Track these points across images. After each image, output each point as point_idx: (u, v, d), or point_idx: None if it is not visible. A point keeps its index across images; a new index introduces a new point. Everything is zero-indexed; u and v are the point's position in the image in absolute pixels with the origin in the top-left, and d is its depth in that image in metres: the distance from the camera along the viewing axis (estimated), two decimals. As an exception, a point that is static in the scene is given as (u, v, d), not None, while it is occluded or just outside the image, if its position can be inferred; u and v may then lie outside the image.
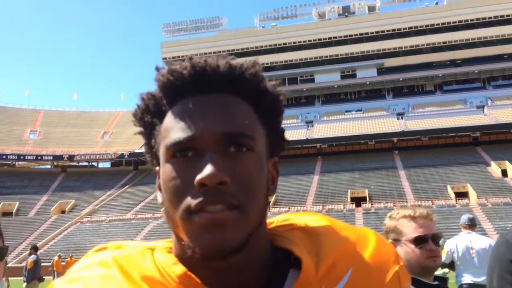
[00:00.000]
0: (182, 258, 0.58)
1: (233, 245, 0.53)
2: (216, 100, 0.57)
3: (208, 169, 0.52)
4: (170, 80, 0.59)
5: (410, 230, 1.81)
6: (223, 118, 0.56)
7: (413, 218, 1.83)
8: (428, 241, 1.78)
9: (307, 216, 0.68)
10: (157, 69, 0.61)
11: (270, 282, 0.59)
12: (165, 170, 0.57)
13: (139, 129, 0.63)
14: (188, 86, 0.58)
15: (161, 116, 0.60)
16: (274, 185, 0.63)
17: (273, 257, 0.62)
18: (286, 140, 0.66)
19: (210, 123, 0.55)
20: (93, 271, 0.58)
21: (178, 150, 0.56)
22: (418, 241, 1.78)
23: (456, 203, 37.06)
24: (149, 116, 0.61)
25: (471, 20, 58.77)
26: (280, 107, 0.64)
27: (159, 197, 0.60)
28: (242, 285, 0.58)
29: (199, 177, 0.52)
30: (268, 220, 0.64)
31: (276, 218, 0.68)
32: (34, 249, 10.95)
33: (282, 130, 0.65)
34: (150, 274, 0.56)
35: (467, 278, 4.77)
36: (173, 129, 0.56)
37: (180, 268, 0.56)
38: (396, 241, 1.83)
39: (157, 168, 0.61)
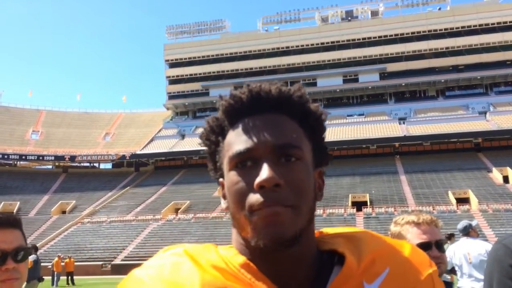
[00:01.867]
0: (242, 252, 0.69)
1: (288, 237, 0.63)
2: (268, 119, 0.69)
3: (265, 173, 0.64)
4: (231, 104, 0.71)
5: (414, 236, 1.82)
6: (275, 132, 0.68)
7: (417, 224, 1.85)
8: (431, 247, 1.78)
9: (348, 228, 0.79)
10: (221, 97, 0.73)
11: (317, 275, 0.69)
12: (229, 177, 0.69)
13: (205, 148, 0.76)
14: (245, 108, 0.70)
15: (223, 135, 0.73)
16: (321, 192, 0.75)
17: (320, 257, 0.72)
18: (330, 154, 0.77)
19: (264, 137, 0.67)
20: (166, 259, 0.69)
21: (239, 161, 0.67)
22: (421, 247, 1.77)
23: (457, 208, 36.94)
24: (214, 136, 0.74)
25: (474, 26, 58.78)
26: (323, 125, 0.75)
27: (223, 203, 0.72)
28: (293, 275, 0.68)
29: (258, 180, 0.64)
30: None
31: (319, 230, 0.78)
32: (34, 249, 10.96)
33: (326, 146, 0.76)
34: (216, 263, 0.66)
35: (467, 284, 4.77)
36: (235, 143, 0.69)
37: (241, 258, 0.67)
38: None
39: (220, 179, 0.74)
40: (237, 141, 0.69)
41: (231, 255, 0.68)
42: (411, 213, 1.91)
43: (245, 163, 0.67)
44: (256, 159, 0.67)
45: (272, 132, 0.68)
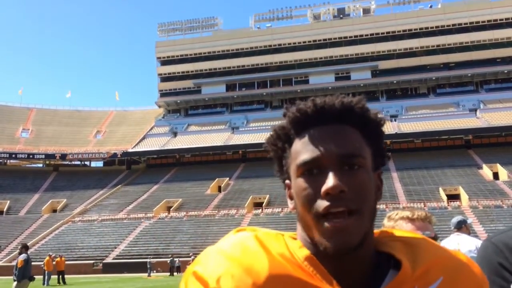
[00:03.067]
0: (306, 246, 0.75)
1: (355, 244, 0.70)
2: (332, 129, 0.75)
3: (331, 181, 0.70)
4: (298, 116, 0.77)
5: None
6: (338, 142, 0.74)
7: (411, 220, 1.86)
8: None
9: (406, 232, 0.84)
10: (287, 108, 0.80)
11: (373, 275, 0.75)
12: (298, 183, 0.75)
13: (272, 152, 0.83)
14: (310, 120, 0.76)
15: (289, 142, 0.79)
16: (380, 191, 0.80)
17: (377, 258, 0.77)
18: (387, 155, 0.84)
19: (329, 147, 0.73)
20: (238, 241, 0.75)
21: (306, 169, 0.74)
22: None
23: (448, 205, 37.25)
24: (280, 143, 0.80)
25: (465, 23, 59.18)
26: (382, 131, 0.81)
27: (290, 203, 0.79)
28: (351, 273, 0.73)
29: (325, 187, 0.70)
30: None
31: (377, 230, 0.83)
32: (25, 248, 10.84)
33: (384, 148, 0.83)
34: (283, 252, 0.73)
35: None
36: (302, 152, 0.75)
37: (305, 251, 0.73)
38: None
39: (287, 181, 0.80)
40: (303, 150, 0.75)
41: (296, 247, 0.74)
42: (405, 209, 1.92)
43: (311, 171, 0.73)
44: (322, 168, 0.73)
45: (336, 143, 0.74)
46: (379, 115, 0.81)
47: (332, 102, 0.77)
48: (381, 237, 0.81)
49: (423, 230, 1.81)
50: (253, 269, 0.70)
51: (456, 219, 5.11)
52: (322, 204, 0.70)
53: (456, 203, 37.47)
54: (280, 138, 0.81)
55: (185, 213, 42.56)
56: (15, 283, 10.35)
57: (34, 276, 10.91)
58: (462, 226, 4.98)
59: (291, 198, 0.79)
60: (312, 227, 0.72)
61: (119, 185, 53.37)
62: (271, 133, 0.83)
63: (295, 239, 0.78)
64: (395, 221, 1.87)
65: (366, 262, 0.75)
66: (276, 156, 0.82)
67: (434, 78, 59.29)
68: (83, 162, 61.96)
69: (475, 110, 53.96)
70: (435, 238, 1.83)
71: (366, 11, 64.06)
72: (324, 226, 0.70)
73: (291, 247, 0.74)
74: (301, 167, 0.74)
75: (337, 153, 0.73)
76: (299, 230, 0.78)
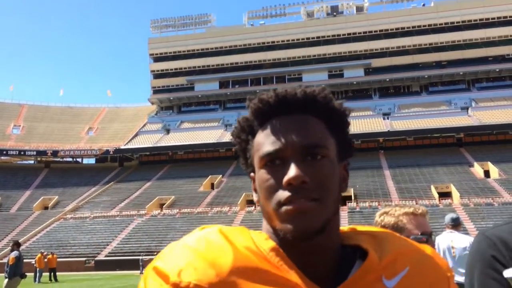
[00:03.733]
0: (272, 239, 0.74)
1: (314, 228, 0.69)
2: (295, 120, 0.74)
3: (292, 172, 0.69)
4: (260, 107, 0.76)
5: (413, 227, 1.85)
6: (301, 133, 0.72)
7: (415, 215, 1.89)
8: (429, 239, 1.82)
9: (373, 228, 0.84)
10: (250, 99, 0.78)
11: (340, 266, 0.74)
12: (260, 175, 0.74)
13: (236, 145, 0.82)
14: (273, 110, 0.75)
15: (253, 134, 0.78)
16: (346, 183, 0.79)
17: (343, 250, 0.77)
18: (354, 146, 0.83)
19: (291, 138, 0.72)
20: (203, 236, 0.73)
21: (268, 160, 0.73)
22: (420, 239, 1.80)
23: (440, 203, 37.51)
24: (244, 135, 0.79)
25: (457, 22, 59.54)
26: (347, 121, 0.80)
27: (255, 196, 0.78)
28: (317, 264, 0.72)
29: (286, 178, 0.69)
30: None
31: (343, 227, 0.82)
32: (17, 245, 10.77)
33: (350, 139, 0.81)
34: (248, 245, 0.71)
35: None
36: (264, 143, 0.74)
37: (270, 243, 0.72)
38: None
39: (252, 174, 0.79)
40: (266, 141, 0.74)
41: (261, 240, 0.73)
42: (404, 205, 1.94)
43: (274, 162, 0.72)
44: (284, 159, 0.71)
45: (298, 133, 0.72)
46: (344, 106, 0.79)
47: (294, 92, 0.75)
48: (347, 232, 0.81)
49: (424, 226, 1.84)
50: (216, 262, 0.68)
51: (451, 216, 5.14)
52: (283, 194, 0.69)
53: (448, 201, 37.74)
54: (244, 130, 0.79)
55: (177, 210, 42.50)
56: (6, 280, 10.28)
57: (26, 274, 10.84)
58: (459, 223, 5.03)
59: (256, 191, 0.77)
60: (273, 216, 0.72)
61: (111, 182, 53.13)
62: (236, 125, 0.81)
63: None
64: (397, 217, 1.88)
65: (332, 254, 0.74)
66: (240, 149, 0.81)
67: (426, 76, 59.61)
68: (75, 159, 61.59)
69: (467, 108, 54.34)
70: (431, 234, 1.85)
71: (359, 9, 64.22)
72: (283, 210, 0.69)
73: (257, 239, 0.73)
74: (264, 158, 0.73)
75: (299, 143, 0.72)
76: (264, 224, 0.77)
